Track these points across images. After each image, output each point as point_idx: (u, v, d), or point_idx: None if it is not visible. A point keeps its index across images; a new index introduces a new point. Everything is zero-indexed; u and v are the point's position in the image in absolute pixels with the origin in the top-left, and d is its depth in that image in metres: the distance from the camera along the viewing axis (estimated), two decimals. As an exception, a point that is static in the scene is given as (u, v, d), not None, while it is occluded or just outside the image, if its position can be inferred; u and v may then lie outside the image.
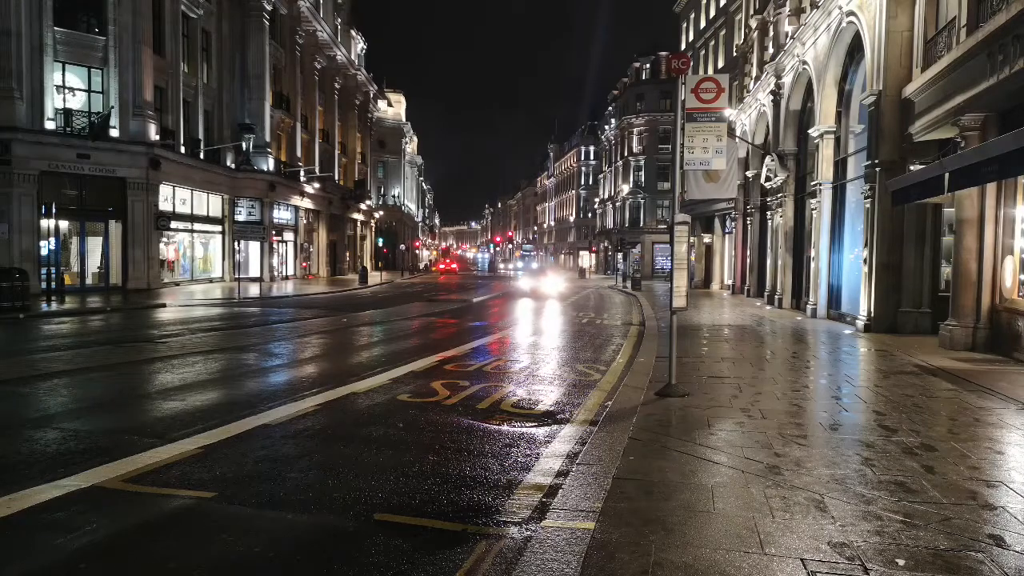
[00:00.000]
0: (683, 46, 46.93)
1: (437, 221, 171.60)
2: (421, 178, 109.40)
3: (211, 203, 34.07)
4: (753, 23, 29.20)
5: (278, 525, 4.36)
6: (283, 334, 15.11)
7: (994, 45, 10.46)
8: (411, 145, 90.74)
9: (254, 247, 36.37)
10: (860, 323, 15.58)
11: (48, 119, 25.02)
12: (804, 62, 20.73)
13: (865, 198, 15.77)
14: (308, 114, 44.51)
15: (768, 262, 25.78)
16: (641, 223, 68.13)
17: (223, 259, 35.47)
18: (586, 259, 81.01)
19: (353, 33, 55.98)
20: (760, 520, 4.19)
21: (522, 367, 10.73)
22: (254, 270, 36.34)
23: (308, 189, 42.85)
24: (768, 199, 25.99)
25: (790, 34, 22.31)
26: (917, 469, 5.24)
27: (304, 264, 44.48)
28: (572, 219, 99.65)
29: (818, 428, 6.57)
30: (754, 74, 29.02)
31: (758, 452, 5.64)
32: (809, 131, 20.58)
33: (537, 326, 17.99)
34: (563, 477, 5.12)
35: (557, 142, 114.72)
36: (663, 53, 67.02)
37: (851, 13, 16.57)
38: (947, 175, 10.06)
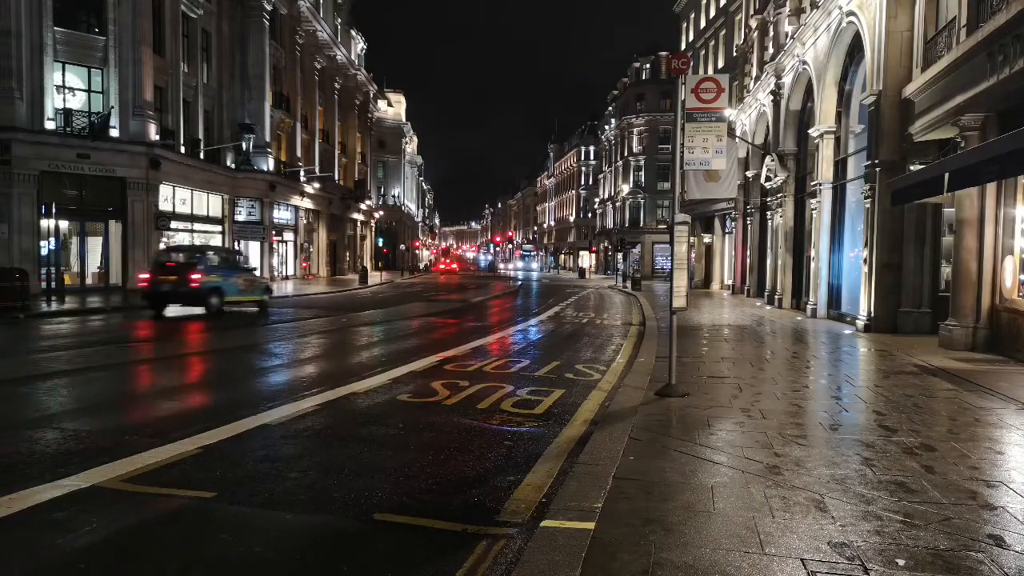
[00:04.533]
0: (683, 46, 46.93)
1: (437, 221, 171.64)
2: (421, 178, 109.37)
3: (211, 203, 34.05)
4: (753, 23, 29.20)
5: (278, 525, 4.36)
6: (283, 334, 15.11)
7: (994, 45, 10.45)
8: (411, 145, 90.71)
9: (254, 247, 36.38)
10: (860, 323, 15.58)
11: (48, 119, 25.01)
12: (804, 62, 20.73)
13: (865, 198, 15.77)
14: (308, 114, 44.51)
15: (768, 262, 25.79)
16: (641, 223, 68.13)
17: (223, 259, 35.44)
18: (586, 259, 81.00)
19: (353, 33, 55.97)
20: (760, 520, 4.19)
21: (522, 367, 10.72)
22: (254, 270, 36.32)
23: (308, 189, 42.85)
24: (768, 199, 25.99)
25: (790, 34, 22.31)
26: (917, 469, 5.24)
27: (304, 264, 44.46)
28: (572, 219, 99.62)
29: (818, 428, 6.56)
30: (754, 74, 29.02)
31: (758, 452, 5.64)
32: (809, 131, 20.58)
33: (537, 326, 17.99)
34: (563, 477, 5.11)
35: (557, 142, 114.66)
36: (663, 53, 67.02)
37: (851, 13, 16.57)
38: (947, 175, 10.05)
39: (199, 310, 18.41)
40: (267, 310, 20.36)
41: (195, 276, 17.88)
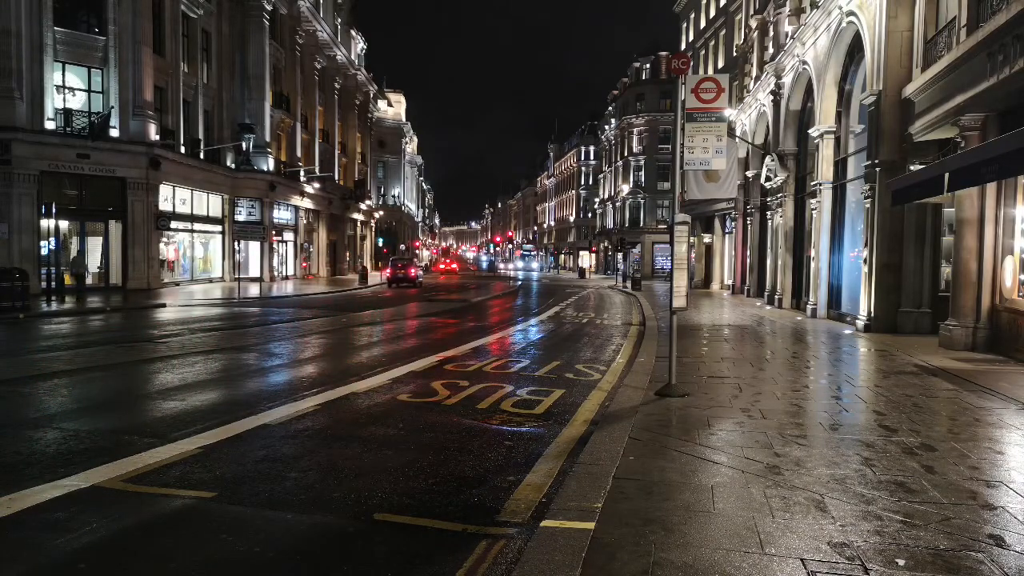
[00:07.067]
0: (683, 46, 46.92)
1: (437, 221, 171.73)
2: (421, 178, 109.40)
3: (211, 203, 34.06)
4: (753, 23, 29.20)
5: (278, 525, 4.36)
6: (283, 334, 15.11)
7: (994, 45, 10.45)
8: (411, 145, 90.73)
9: (254, 247, 36.35)
10: (860, 323, 15.58)
11: (48, 119, 25.02)
12: (804, 62, 20.73)
13: (865, 198, 15.77)
14: (308, 114, 44.50)
15: (768, 262, 25.78)
16: (641, 223, 68.11)
17: (223, 259, 35.45)
18: (586, 259, 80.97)
19: (353, 33, 55.96)
20: (760, 520, 4.19)
21: (522, 367, 10.72)
22: (254, 270, 36.31)
23: (308, 189, 42.85)
24: (768, 199, 25.99)
25: (790, 34, 22.31)
26: (917, 469, 5.24)
27: (304, 264, 44.46)
28: (572, 219, 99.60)
29: (818, 428, 6.56)
30: (754, 74, 29.02)
31: (758, 452, 5.64)
32: (809, 131, 20.58)
33: (537, 326, 17.99)
34: (563, 477, 5.12)
35: (557, 142, 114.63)
36: (663, 53, 67.02)
37: (851, 13, 16.57)
38: (947, 175, 10.05)
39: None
40: (422, 285, 38.62)
41: (413, 270, 38.27)
